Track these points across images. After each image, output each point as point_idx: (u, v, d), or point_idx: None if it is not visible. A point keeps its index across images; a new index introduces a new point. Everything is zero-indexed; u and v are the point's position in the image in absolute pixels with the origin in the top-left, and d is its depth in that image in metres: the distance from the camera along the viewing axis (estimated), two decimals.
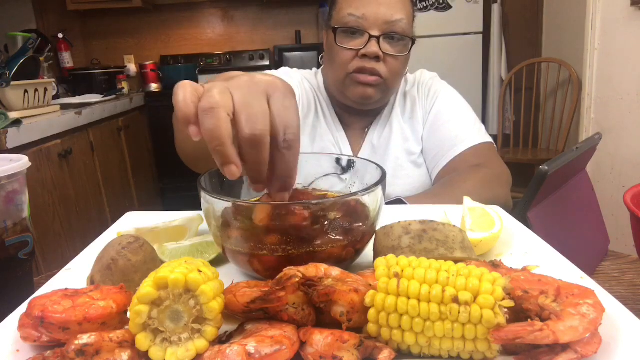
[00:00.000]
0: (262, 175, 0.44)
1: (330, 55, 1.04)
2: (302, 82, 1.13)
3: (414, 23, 1.03)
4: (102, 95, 2.84)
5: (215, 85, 0.42)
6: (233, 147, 0.41)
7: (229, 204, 0.50)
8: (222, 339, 0.39)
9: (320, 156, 0.70)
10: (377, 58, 0.97)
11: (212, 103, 0.40)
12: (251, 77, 0.45)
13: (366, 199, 0.51)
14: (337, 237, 0.50)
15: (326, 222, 0.51)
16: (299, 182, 0.70)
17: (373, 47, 0.96)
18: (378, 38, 0.96)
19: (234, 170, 0.42)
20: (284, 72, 1.15)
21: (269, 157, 0.44)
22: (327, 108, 1.11)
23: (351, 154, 1.10)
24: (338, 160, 0.66)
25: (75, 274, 0.56)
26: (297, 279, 0.39)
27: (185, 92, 0.42)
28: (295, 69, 1.18)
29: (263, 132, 0.41)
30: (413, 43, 1.00)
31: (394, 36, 0.97)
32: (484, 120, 3.35)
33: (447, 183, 0.97)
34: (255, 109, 0.42)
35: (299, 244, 0.48)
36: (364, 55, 0.97)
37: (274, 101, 0.43)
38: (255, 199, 0.60)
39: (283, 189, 0.47)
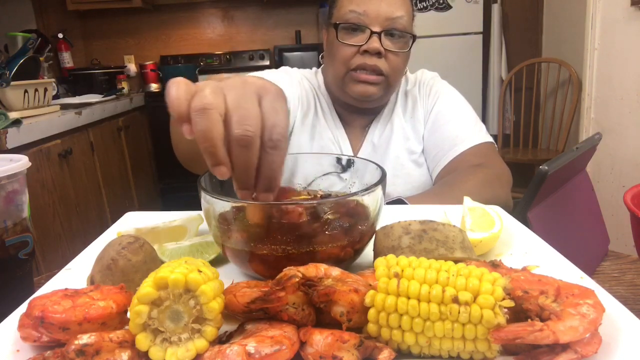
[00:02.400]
0: (250, 179, 0.45)
1: (331, 52, 1.04)
2: (302, 81, 1.13)
3: (414, 22, 1.03)
4: (102, 95, 2.84)
5: (208, 84, 0.43)
6: (223, 148, 0.42)
7: (229, 204, 0.50)
8: (222, 339, 0.39)
9: (320, 155, 0.70)
10: (378, 54, 0.97)
11: (204, 103, 0.41)
12: (244, 79, 0.46)
13: (366, 199, 0.51)
14: (337, 237, 0.50)
15: (326, 222, 0.51)
16: (299, 182, 0.70)
17: (374, 43, 0.96)
18: (379, 34, 0.96)
19: (223, 171, 0.42)
20: (284, 71, 1.15)
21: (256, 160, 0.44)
22: (327, 107, 1.11)
23: (351, 152, 1.10)
24: (338, 160, 0.66)
25: (75, 274, 0.56)
26: (297, 279, 0.39)
27: (178, 89, 0.42)
28: (295, 68, 1.18)
29: (254, 133, 0.42)
30: (414, 40, 1.01)
31: (394, 32, 0.98)
32: (484, 120, 3.35)
33: (447, 183, 0.97)
34: (246, 110, 0.42)
35: (299, 244, 0.48)
36: (365, 52, 0.97)
37: (265, 102, 0.44)
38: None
39: (267, 189, 0.46)
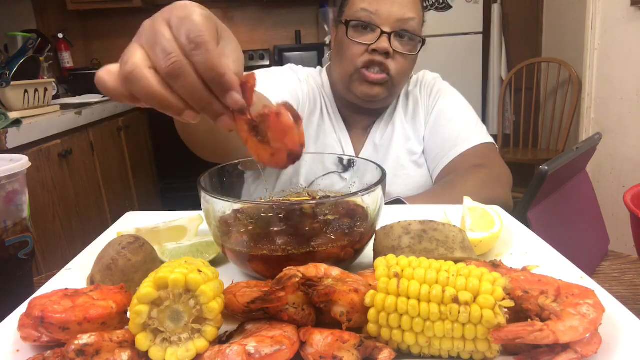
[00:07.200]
0: (210, 102, 0.41)
1: (339, 49, 1.04)
2: (308, 79, 1.13)
3: (423, 27, 1.04)
4: (102, 95, 2.84)
5: (126, 50, 0.41)
6: (172, 95, 0.40)
7: (229, 204, 0.50)
8: (222, 339, 0.39)
9: (322, 155, 0.70)
10: (386, 54, 0.97)
11: (124, 71, 0.39)
12: (154, 16, 0.43)
13: (366, 199, 0.51)
14: (337, 237, 0.50)
15: (326, 223, 0.51)
16: (300, 182, 0.70)
17: (384, 43, 0.96)
18: (389, 35, 0.96)
19: (190, 115, 0.41)
20: (289, 68, 1.15)
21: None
22: (331, 107, 1.12)
23: (353, 152, 1.10)
24: (339, 159, 0.66)
25: (75, 274, 0.56)
26: (297, 279, 0.39)
27: (104, 79, 0.41)
28: (300, 67, 1.18)
29: (177, 56, 0.39)
30: (423, 44, 1.01)
31: (404, 34, 0.98)
32: (484, 120, 3.35)
33: (447, 183, 0.97)
34: (161, 40, 0.39)
35: (299, 244, 0.48)
36: (374, 51, 0.97)
37: (173, 21, 0.41)
38: (256, 199, 0.60)
39: (221, 90, 0.41)
